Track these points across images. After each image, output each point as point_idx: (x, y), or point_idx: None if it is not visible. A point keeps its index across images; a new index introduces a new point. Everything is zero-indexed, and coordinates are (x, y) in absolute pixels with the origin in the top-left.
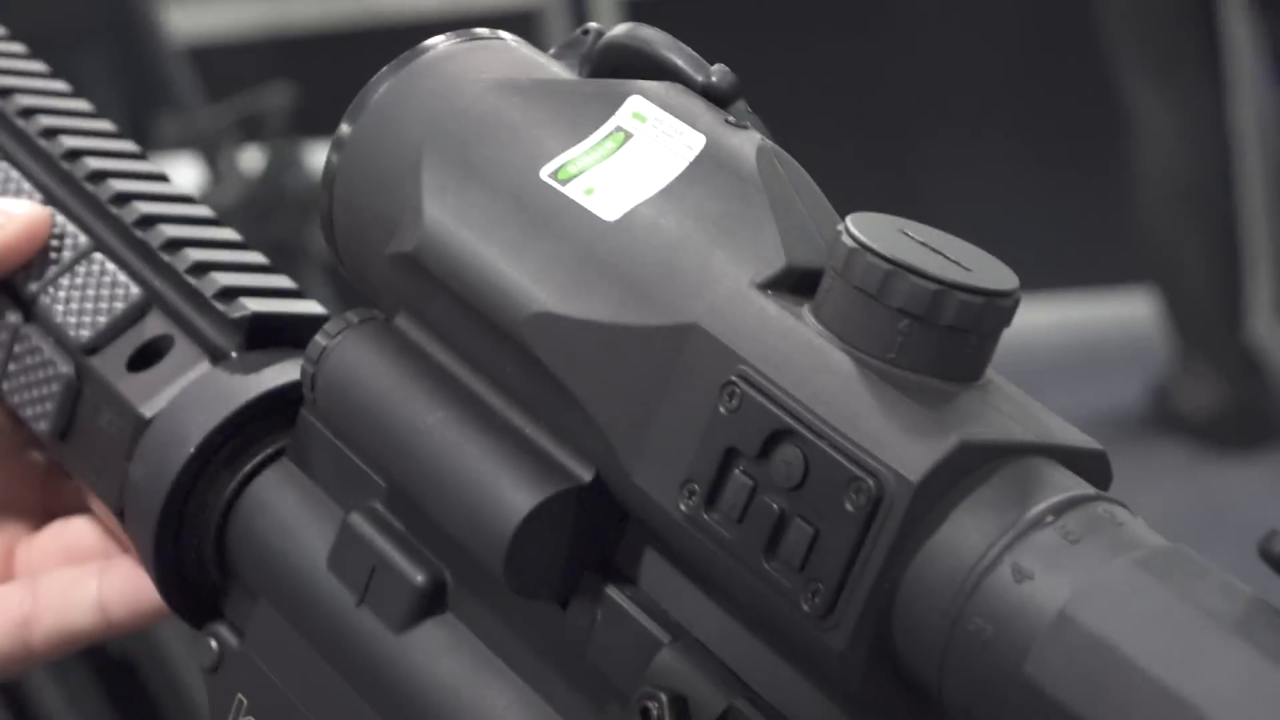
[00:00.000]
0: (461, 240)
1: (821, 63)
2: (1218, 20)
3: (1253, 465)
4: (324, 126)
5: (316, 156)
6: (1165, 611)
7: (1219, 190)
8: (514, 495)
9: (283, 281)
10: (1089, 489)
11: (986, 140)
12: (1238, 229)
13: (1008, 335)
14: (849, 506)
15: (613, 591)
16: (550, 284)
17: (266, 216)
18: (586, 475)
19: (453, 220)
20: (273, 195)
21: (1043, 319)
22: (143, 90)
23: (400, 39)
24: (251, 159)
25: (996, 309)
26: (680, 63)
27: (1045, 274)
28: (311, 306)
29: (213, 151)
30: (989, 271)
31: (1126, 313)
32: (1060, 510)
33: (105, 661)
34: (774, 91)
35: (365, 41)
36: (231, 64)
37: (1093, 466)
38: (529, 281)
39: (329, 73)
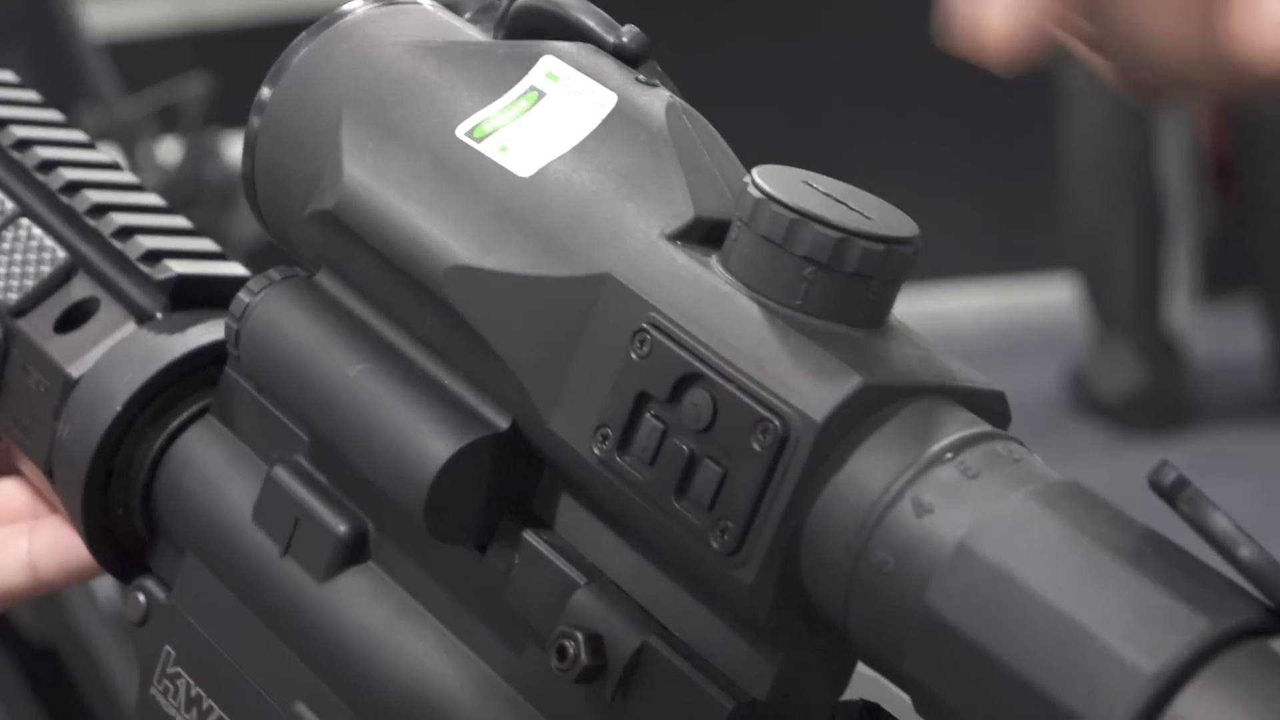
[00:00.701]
0: (380, 197)
1: (742, 38)
2: None
3: (1168, 447)
4: (241, 118)
5: (234, 147)
6: (1060, 541)
7: (1147, 172)
8: (434, 443)
9: (206, 244)
10: (986, 427)
11: (908, 129)
12: (1162, 212)
13: (929, 320)
14: (756, 446)
15: (530, 536)
16: (467, 238)
17: (185, 206)
18: (503, 423)
19: (372, 178)
20: (191, 185)
21: (963, 305)
22: (61, 83)
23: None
24: (169, 150)
25: (898, 256)
26: (591, 24)
27: (965, 261)
28: (234, 268)
29: (130, 143)
30: (890, 220)
31: (1045, 299)
32: (959, 447)
33: (27, 651)
34: (692, 65)
35: (279, 35)
36: (148, 59)
37: (992, 406)
38: (446, 236)
39: (244, 66)
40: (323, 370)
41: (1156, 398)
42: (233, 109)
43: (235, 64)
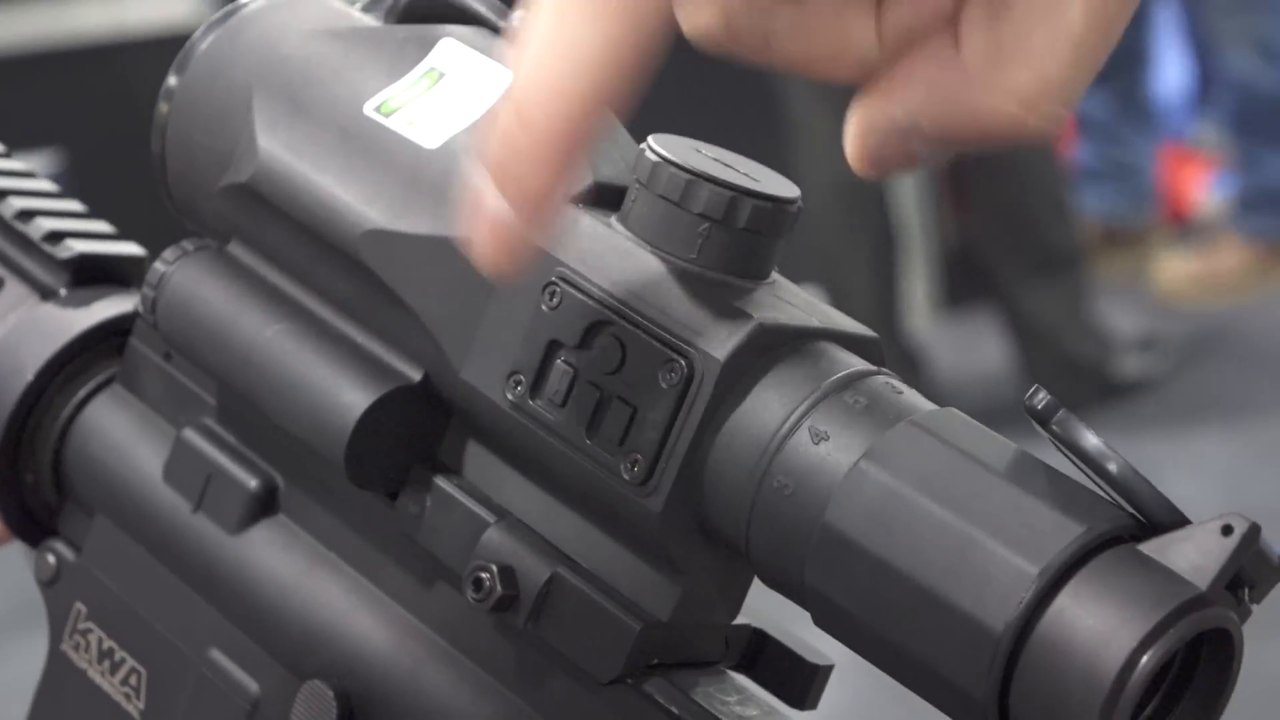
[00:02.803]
0: (295, 168)
1: None
2: None
3: None
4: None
5: None
6: (945, 461)
7: (878, 196)
8: (352, 395)
9: (101, 226)
10: (871, 365)
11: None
12: (894, 231)
13: None
14: (663, 384)
15: (440, 481)
16: (380, 204)
17: None
18: (416, 375)
19: (285, 151)
20: None
21: None
22: None
23: (68, 61)
24: None
25: (784, 213)
26: (483, 10)
27: None
28: (131, 247)
29: None
30: (773, 182)
31: None
32: (848, 382)
33: None
34: None
35: (32, 65)
36: None
37: (869, 350)
38: (360, 203)
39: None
40: (241, 331)
41: None
42: None
43: None
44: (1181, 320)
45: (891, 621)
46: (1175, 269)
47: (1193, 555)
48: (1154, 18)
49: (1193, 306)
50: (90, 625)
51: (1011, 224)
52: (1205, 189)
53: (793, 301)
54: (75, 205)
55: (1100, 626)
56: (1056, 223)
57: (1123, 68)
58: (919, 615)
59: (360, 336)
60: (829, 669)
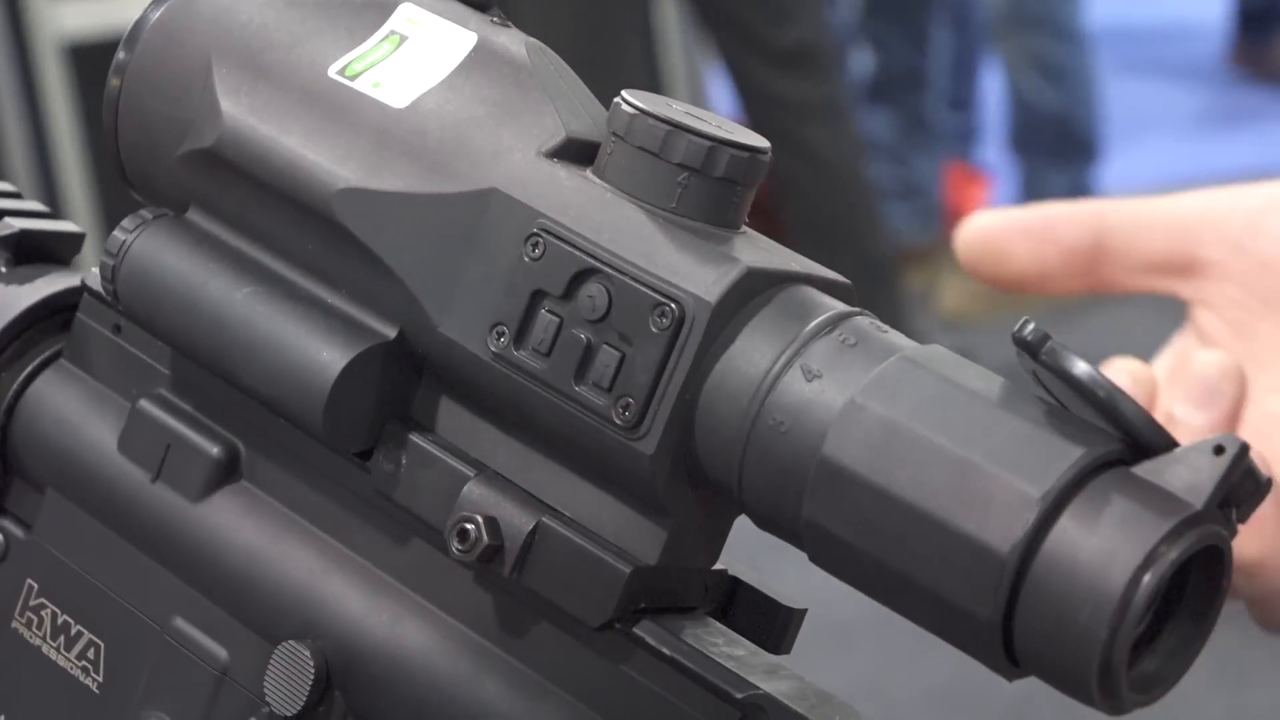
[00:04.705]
0: (261, 132)
1: None
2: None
3: None
4: None
5: None
6: (939, 392)
7: None
8: (328, 353)
9: (36, 205)
10: (854, 307)
11: None
12: None
13: None
14: (654, 329)
15: (416, 438)
16: (352, 163)
17: None
18: (390, 332)
19: (250, 116)
20: None
21: None
22: None
23: None
24: None
25: (757, 163)
26: None
27: None
28: (69, 225)
29: None
30: (743, 134)
31: None
32: (835, 322)
33: None
34: None
35: None
36: None
37: (844, 293)
38: (331, 163)
39: None
40: (210, 295)
41: None
42: None
43: None
44: (971, 336)
45: (894, 550)
46: (962, 286)
47: (1186, 475)
48: (934, 39)
49: (981, 323)
50: (43, 601)
51: (828, 236)
52: (990, 207)
53: (768, 249)
54: (7, 186)
55: (1104, 545)
56: (871, 233)
57: (905, 89)
58: (922, 542)
59: (331, 297)
60: (803, 613)
